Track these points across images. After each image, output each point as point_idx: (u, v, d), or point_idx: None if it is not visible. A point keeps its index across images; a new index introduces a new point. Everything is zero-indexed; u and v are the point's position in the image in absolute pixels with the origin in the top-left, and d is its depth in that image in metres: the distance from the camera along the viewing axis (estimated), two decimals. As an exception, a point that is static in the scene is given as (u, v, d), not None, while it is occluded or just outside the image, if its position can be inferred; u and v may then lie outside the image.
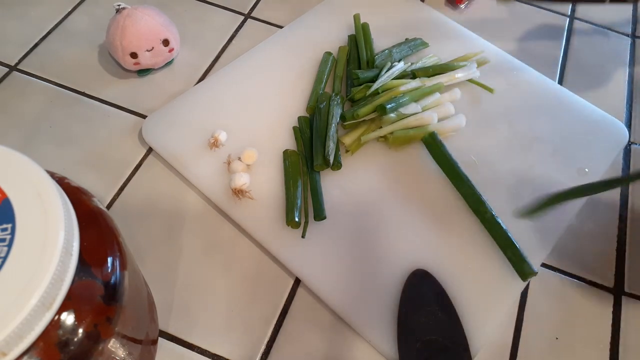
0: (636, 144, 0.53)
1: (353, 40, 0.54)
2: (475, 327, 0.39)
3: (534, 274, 0.40)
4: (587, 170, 0.48)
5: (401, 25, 0.57)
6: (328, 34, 0.56)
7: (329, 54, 0.53)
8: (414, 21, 0.58)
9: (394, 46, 0.54)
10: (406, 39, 0.55)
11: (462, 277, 0.41)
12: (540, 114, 0.52)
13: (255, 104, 0.50)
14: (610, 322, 0.41)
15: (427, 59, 0.53)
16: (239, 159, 0.45)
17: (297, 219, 0.42)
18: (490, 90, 0.52)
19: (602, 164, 0.49)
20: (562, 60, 0.59)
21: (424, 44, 0.55)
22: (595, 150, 0.50)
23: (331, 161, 0.44)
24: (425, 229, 0.43)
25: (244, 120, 0.48)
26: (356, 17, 0.55)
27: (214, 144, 0.46)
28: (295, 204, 0.42)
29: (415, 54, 0.55)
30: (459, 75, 0.51)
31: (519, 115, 0.52)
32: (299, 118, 0.49)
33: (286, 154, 0.46)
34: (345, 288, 0.40)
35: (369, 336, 0.38)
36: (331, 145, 0.44)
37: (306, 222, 0.42)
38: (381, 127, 0.47)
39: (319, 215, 0.43)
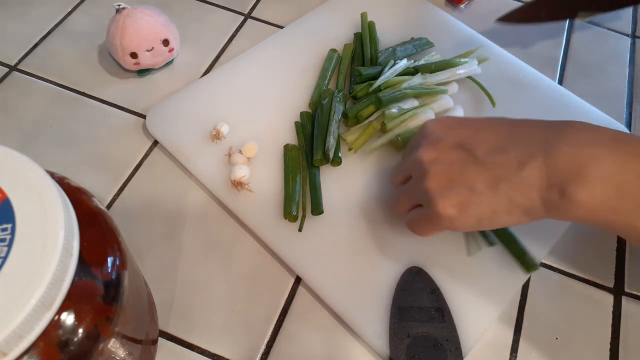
0: (636, 144, 0.53)
1: (359, 38, 0.55)
2: (468, 326, 0.39)
3: (536, 267, 0.40)
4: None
5: (408, 25, 0.57)
6: (333, 32, 0.56)
7: (334, 50, 0.53)
8: (421, 21, 0.58)
9: (398, 45, 0.54)
10: (412, 38, 0.55)
11: (458, 275, 0.41)
12: (540, 114, 0.52)
13: (258, 98, 0.50)
14: (610, 322, 0.41)
15: (430, 57, 0.53)
16: (240, 151, 0.46)
17: (294, 213, 0.42)
18: (490, 98, 0.52)
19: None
20: (562, 60, 0.59)
21: (429, 44, 0.55)
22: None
23: (331, 157, 0.44)
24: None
25: (246, 114, 0.49)
26: (363, 15, 0.55)
27: (216, 136, 0.46)
28: (293, 198, 0.42)
29: (420, 53, 0.54)
30: (461, 72, 0.51)
31: (519, 115, 0.51)
32: (301, 113, 0.49)
33: (287, 148, 0.46)
34: (340, 283, 0.40)
35: (363, 333, 0.39)
36: (331, 141, 0.45)
37: (303, 216, 0.43)
38: (383, 123, 0.47)
39: (317, 209, 0.43)
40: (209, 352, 0.38)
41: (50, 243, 0.20)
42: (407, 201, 0.39)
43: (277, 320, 0.40)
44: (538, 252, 0.43)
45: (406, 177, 0.39)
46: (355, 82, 0.51)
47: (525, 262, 0.41)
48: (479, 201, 0.33)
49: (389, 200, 0.43)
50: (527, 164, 0.32)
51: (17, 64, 0.52)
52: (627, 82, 0.58)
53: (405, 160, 0.39)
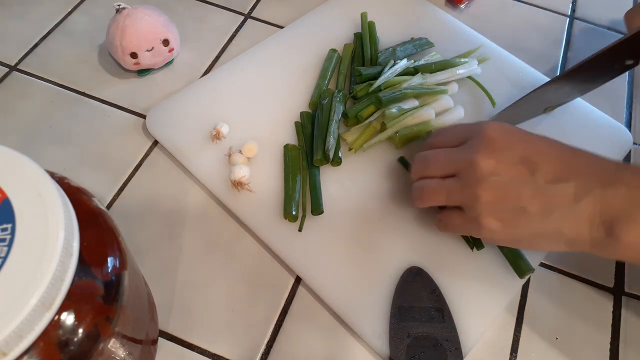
0: (637, 144, 0.53)
1: (359, 38, 0.54)
2: (468, 326, 0.39)
3: (532, 270, 0.40)
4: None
5: (408, 25, 0.57)
6: (333, 32, 0.56)
7: (334, 50, 0.53)
8: (421, 21, 0.58)
9: (398, 45, 0.54)
10: (412, 38, 0.55)
11: (458, 276, 0.41)
12: (540, 114, 0.52)
13: (258, 98, 0.50)
14: (610, 322, 0.42)
15: (430, 57, 0.53)
16: (240, 151, 0.46)
17: (294, 213, 0.42)
18: (490, 98, 0.52)
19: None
20: (562, 60, 0.59)
21: (429, 44, 0.55)
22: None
23: (331, 157, 0.44)
24: (422, 227, 0.43)
25: (246, 114, 0.49)
26: (363, 15, 0.55)
27: (216, 136, 0.46)
28: (293, 198, 0.43)
29: (420, 53, 0.54)
30: (461, 72, 0.51)
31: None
32: (301, 113, 0.49)
33: (287, 148, 0.46)
34: (340, 283, 0.40)
35: (363, 333, 0.39)
36: (332, 141, 0.45)
37: (303, 216, 0.43)
38: (383, 123, 0.47)
39: (317, 209, 0.43)
40: (209, 352, 0.38)
41: (50, 243, 0.20)
42: (444, 198, 0.37)
43: (277, 320, 0.40)
44: (537, 252, 0.43)
45: (448, 173, 0.37)
46: (355, 82, 0.51)
47: (519, 266, 0.41)
48: (527, 224, 0.34)
49: (416, 189, 0.39)
50: (583, 198, 0.32)
51: (17, 64, 0.52)
52: (627, 82, 0.58)
53: (450, 154, 0.37)
